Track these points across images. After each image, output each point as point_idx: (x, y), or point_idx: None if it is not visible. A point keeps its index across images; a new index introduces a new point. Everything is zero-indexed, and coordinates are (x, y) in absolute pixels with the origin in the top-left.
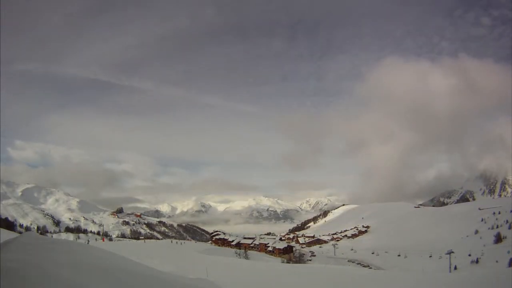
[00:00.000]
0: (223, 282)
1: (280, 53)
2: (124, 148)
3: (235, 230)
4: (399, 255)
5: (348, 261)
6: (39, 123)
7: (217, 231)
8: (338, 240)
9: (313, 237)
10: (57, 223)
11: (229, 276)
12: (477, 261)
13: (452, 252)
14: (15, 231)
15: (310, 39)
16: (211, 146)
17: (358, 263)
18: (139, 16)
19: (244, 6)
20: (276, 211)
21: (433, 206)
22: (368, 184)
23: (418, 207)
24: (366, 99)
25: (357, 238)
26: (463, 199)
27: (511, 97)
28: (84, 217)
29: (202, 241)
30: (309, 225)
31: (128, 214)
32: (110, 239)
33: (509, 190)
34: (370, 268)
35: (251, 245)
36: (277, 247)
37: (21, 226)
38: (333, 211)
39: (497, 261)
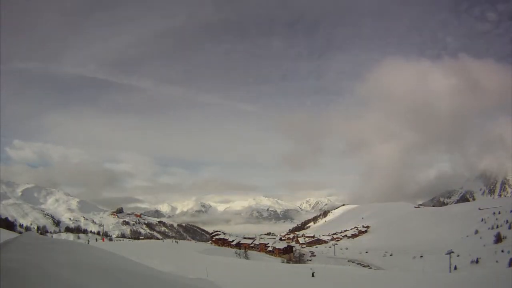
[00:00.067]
0: (223, 282)
1: (279, 52)
2: (124, 148)
3: (235, 230)
4: (391, 255)
5: (348, 261)
6: (37, 123)
7: (217, 231)
8: (338, 240)
9: (313, 237)
10: (57, 223)
11: (229, 276)
12: (477, 261)
13: (452, 252)
14: (15, 231)
15: (310, 38)
16: (211, 146)
17: (358, 263)
18: (137, 15)
19: (243, 4)
20: (276, 211)
21: (433, 206)
22: (368, 184)
23: (418, 207)
24: (366, 98)
25: (357, 238)
26: (463, 199)
27: (511, 97)
28: (84, 217)
29: (202, 241)
30: (309, 225)
31: (128, 214)
32: (110, 239)
33: (509, 190)
34: (370, 268)
35: (251, 245)
36: (277, 247)
37: (21, 226)
38: (333, 211)
39: (497, 261)
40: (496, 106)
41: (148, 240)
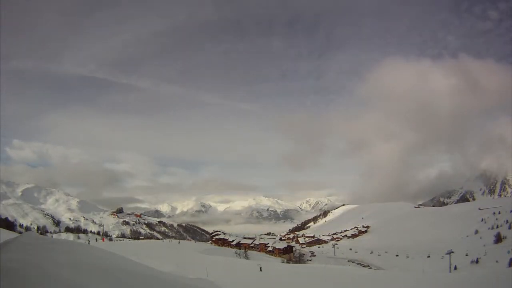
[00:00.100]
0: (223, 282)
1: (279, 51)
2: (124, 148)
3: (235, 230)
4: (397, 255)
5: (348, 261)
6: (37, 123)
7: (217, 231)
8: (338, 240)
9: (313, 237)
10: (57, 223)
11: (229, 276)
12: (477, 261)
13: (452, 252)
14: (15, 231)
15: (310, 37)
16: (211, 146)
17: (358, 263)
18: (137, 14)
19: (243, 4)
20: (276, 211)
21: (433, 206)
22: (368, 184)
23: (418, 207)
24: (366, 98)
25: (357, 238)
26: (463, 199)
27: (511, 97)
28: (84, 217)
29: (202, 241)
30: (309, 225)
31: (128, 214)
32: (110, 239)
33: (509, 190)
34: (370, 268)
35: (251, 245)
36: (277, 247)
37: (21, 226)
38: (333, 211)
39: (497, 261)
40: (496, 106)
41: (148, 240)
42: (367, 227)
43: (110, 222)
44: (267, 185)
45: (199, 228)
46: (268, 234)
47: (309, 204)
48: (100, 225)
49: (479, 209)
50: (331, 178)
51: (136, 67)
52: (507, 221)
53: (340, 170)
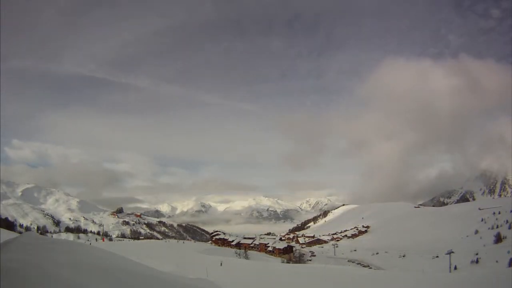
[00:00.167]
0: (223, 282)
1: (279, 50)
2: (124, 148)
3: (235, 230)
4: (401, 256)
5: (348, 261)
6: (36, 122)
7: (217, 231)
8: (338, 240)
9: (313, 237)
10: (57, 223)
11: (229, 276)
12: (477, 261)
13: (452, 252)
14: (15, 231)
15: (310, 36)
16: (211, 146)
17: (358, 263)
18: (137, 13)
19: (243, 3)
20: (276, 211)
21: (433, 206)
22: (368, 184)
23: (418, 207)
24: (366, 98)
25: (357, 238)
26: (463, 199)
27: (511, 97)
28: (84, 217)
29: (202, 241)
30: (309, 225)
31: (128, 214)
32: (110, 239)
33: (509, 190)
34: (370, 268)
35: (251, 245)
36: (277, 247)
37: (21, 226)
38: (333, 211)
39: (497, 261)
40: (496, 106)
41: (148, 240)
42: (367, 227)
43: (110, 222)
44: (267, 185)
45: (199, 228)
46: (268, 234)
47: (309, 204)
48: (100, 225)
49: (479, 209)
50: (331, 178)
51: (136, 66)
52: (507, 221)
53: (340, 170)
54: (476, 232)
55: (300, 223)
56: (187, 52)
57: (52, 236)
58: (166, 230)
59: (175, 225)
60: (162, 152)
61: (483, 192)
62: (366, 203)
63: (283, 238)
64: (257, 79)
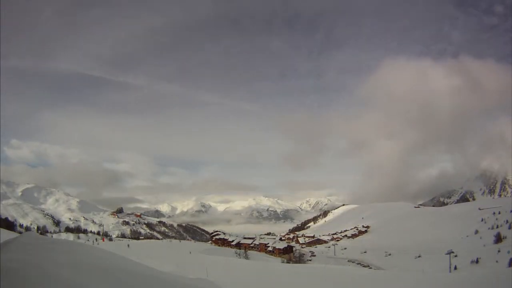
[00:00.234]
0: (223, 282)
1: (279, 50)
2: (123, 148)
3: (235, 230)
4: (389, 254)
5: (348, 261)
6: (34, 122)
7: (217, 231)
8: (338, 240)
9: (313, 237)
10: (57, 223)
11: (229, 276)
12: (477, 261)
13: (452, 252)
14: (15, 231)
15: (310, 35)
16: (211, 145)
17: (358, 263)
18: (135, 12)
19: (242, 1)
20: (276, 211)
21: (433, 206)
22: (368, 184)
23: (418, 207)
24: (366, 98)
25: (357, 238)
26: (463, 199)
27: (511, 97)
28: (84, 217)
29: (202, 241)
30: (309, 225)
31: (128, 214)
32: (110, 239)
33: (509, 190)
34: (370, 268)
35: (251, 245)
36: (277, 247)
37: (21, 226)
38: (333, 211)
39: (497, 261)
40: (496, 106)
41: (148, 240)
42: (367, 227)
43: (110, 222)
44: (267, 185)
45: (199, 228)
46: (268, 234)
47: (309, 204)
48: (100, 225)
49: (479, 209)
50: (331, 178)
51: (135, 66)
52: (507, 221)
53: (340, 170)
54: (476, 232)
55: (300, 223)
56: (187, 51)
57: (52, 236)
58: (166, 230)
59: (175, 225)
60: (162, 152)
61: (483, 192)
62: (366, 203)
63: (283, 238)
64: (257, 78)
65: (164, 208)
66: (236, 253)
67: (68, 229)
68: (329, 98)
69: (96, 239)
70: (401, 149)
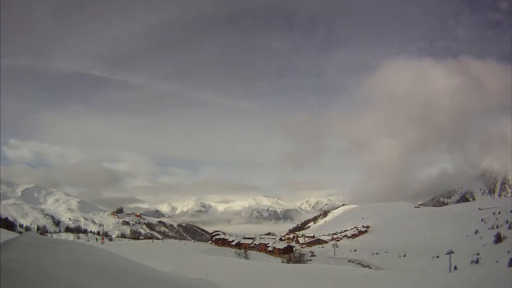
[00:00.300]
0: (223, 282)
1: (279, 50)
2: (123, 148)
3: (235, 230)
4: (401, 256)
5: (348, 261)
6: (33, 121)
7: (217, 231)
8: (338, 240)
9: (313, 237)
10: (57, 223)
11: (229, 276)
12: (477, 261)
13: (452, 252)
14: (15, 231)
15: (309, 35)
16: (211, 145)
17: (358, 263)
18: (133, 9)
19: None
20: (276, 211)
21: (433, 206)
22: (368, 184)
23: (418, 207)
24: (366, 98)
25: (357, 238)
26: (463, 199)
27: (511, 97)
28: (84, 217)
29: (202, 241)
30: (309, 225)
31: (128, 214)
32: (110, 239)
33: (509, 190)
34: (370, 268)
35: (251, 245)
36: (277, 247)
37: (21, 226)
38: (333, 211)
39: (497, 261)
40: (496, 106)
41: (148, 240)
42: (367, 227)
43: (110, 222)
44: (267, 185)
45: (199, 228)
46: (268, 234)
47: (309, 204)
48: (100, 225)
49: (479, 209)
50: (331, 178)
51: (135, 65)
52: (507, 221)
53: (340, 170)
54: (476, 232)
55: (300, 223)
56: (186, 51)
57: (52, 236)
58: (166, 230)
59: (175, 225)
60: (162, 152)
61: (483, 192)
62: (366, 203)
63: (283, 238)
64: (257, 77)
65: (164, 208)
66: (236, 253)
67: (68, 229)
68: (329, 98)
69: (96, 239)
70: (401, 149)
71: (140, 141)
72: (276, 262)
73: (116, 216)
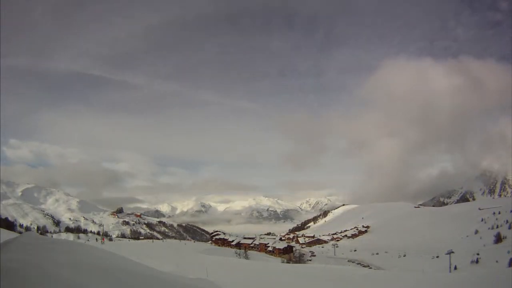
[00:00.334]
0: (223, 282)
1: (279, 50)
2: (123, 148)
3: (235, 230)
4: (401, 256)
5: (348, 261)
6: (33, 121)
7: (217, 231)
8: (338, 240)
9: (313, 237)
10: (57, 223)
11: (229, 276)
12: (477, 261)
13: (452, 252)
14: (15, 231)
15: (309, 35)
16: (211, 145)
17: (358, 263)
18: (132, 9)
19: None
20: (276, 211)
21: (433, 206)
22: (368, 184)
23: (418, 207)
24: (366, 98)
25: (357, 238)
26: (463, 199)
27: (511, 97)
28: (84, 217)
29: (202, 241)
30: (309, 225)
31: (128, 214)
32: (110, 239)
33: (509, 190)
34: (370, 268)
35: (251, 245)
36: (277, 247)
37: (21, 226)
38: (333, 211)
39: (497, 261)
40: (496, 106)
41: (148, 240)
42: (367, 227)
43: (110, 222)
44: (267, 185)
45: (199, 228)
46: (268, 234)
47: (309, 204)
48: (100, 225)
49: (479, 209)
50: (331, 178)
51: (134, 65)
52: (507, 221)
53: (340, 170)
54: (476, 232)
55: (300, 223)
56: (186, 51)
57: (52, 236)
58: (166, 230)
59: (175, 225)
60: (162, 152)
61: (483, 192)
62: (366, 203)
63: (283, 238)
64: (257, 77)
65: (164, 208)
66: (236, 253)
67: (68, 229)
68: (329, 98)
69: (96, 239)
70: (401, 149)
71: (140, 141)
72: (276, 262)
73: (116, 216)
